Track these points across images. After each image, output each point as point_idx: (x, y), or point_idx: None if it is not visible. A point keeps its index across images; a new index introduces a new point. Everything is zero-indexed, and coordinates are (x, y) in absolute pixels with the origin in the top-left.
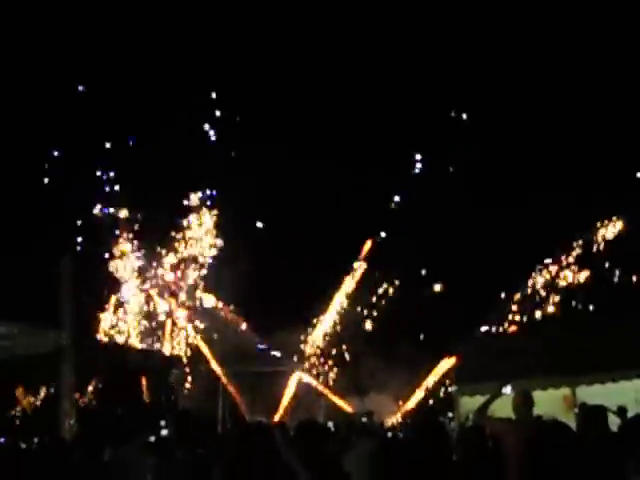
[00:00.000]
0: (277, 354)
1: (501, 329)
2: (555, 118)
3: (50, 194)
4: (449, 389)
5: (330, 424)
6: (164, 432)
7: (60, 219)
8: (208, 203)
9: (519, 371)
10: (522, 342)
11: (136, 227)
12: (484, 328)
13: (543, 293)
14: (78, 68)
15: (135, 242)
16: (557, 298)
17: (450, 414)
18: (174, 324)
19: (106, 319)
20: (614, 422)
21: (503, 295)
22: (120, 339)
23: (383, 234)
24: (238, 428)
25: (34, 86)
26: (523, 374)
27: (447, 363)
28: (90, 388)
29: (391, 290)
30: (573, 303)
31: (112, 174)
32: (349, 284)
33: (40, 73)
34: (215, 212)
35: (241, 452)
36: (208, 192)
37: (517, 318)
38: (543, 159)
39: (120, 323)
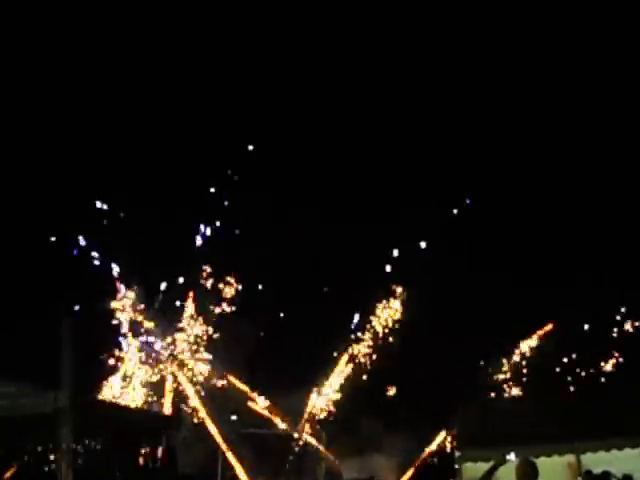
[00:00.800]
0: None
1: (503, 393)
2: None
3: (51, 254)
4: (453, 454)
5: None
6: None
7: (62, 277)
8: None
9: (523, 437)
10: (525, 407)
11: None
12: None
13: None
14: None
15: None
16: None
17: None
18: (175, 382)
19: (108, 381)
20: None
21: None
22: (121, 400)
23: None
24: None
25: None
26: (527, 440)
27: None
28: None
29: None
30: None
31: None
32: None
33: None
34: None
35: None
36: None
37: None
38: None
39: (121, 386)
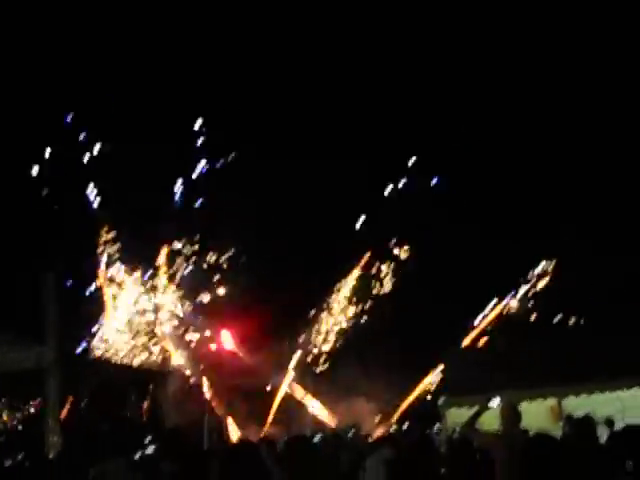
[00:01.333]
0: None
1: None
2: None
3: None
4: (436, 401)
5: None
6: (149, 449)
7: (49, 230)
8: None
9: (506, 382)
10: (508, 353)
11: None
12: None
13: (531, 302)
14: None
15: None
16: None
17: (436, 426)
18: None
19: (96, 333)
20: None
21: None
22: (108, 354)
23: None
24: (224, 446)
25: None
26: (510, 385)
27: (434, 374)
28: (70, 404)
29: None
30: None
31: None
32: (344, 287)
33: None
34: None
35: (228, 471)
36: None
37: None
38: None
39: (109, 337)
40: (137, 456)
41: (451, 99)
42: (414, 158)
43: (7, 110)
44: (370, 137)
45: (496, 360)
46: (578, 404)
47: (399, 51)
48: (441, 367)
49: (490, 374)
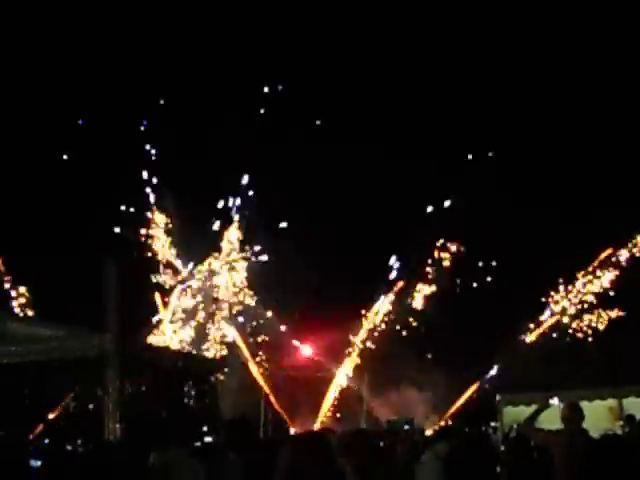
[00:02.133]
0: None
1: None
2: None
3: (96, 197)
4: (493, 398)
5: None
6: (208, 438)
7: (107, 221)
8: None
9: (564, 381)
10: (567, 351)
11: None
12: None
13: (592, 300)
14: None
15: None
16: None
17: (493, 423)
18: (217, 327)
19: (154, 323)
20: None
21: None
22: (166, 343)
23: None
24: (292, 436)
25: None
26: (568, 385)
27: (491, 371)
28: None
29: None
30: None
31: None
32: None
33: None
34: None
35: (298, 460)
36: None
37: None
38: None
39: (167, 327)
40: (197, 445)
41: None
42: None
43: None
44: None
45: (554, 359)
46: (639, 405)
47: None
48: (498, 365)
49: (547, 373)
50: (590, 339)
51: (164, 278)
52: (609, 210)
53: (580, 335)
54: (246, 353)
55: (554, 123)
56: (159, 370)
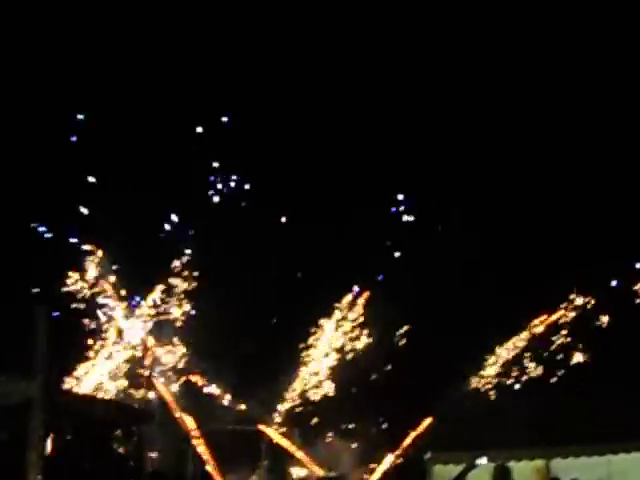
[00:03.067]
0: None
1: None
2: None
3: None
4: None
5: None
6: None
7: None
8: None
9: (494, 440)
10: (499, 409)
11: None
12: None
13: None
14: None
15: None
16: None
17: None
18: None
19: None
20: None
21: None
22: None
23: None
24: None
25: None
26: (498, 443)
27: (422, 426)
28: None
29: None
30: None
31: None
32: (329, 334)
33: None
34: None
35: None
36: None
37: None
38: None
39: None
40: None
41: None
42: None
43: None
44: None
45: (484, 417)
46: (566, 466)
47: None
48: (429, 420)
49: (478, 429)
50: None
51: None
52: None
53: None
54: (172, 403)
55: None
56: (83, 417)
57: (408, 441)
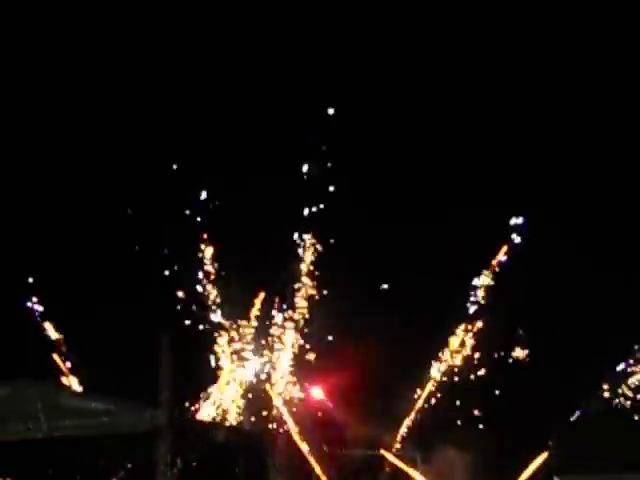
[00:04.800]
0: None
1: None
2: None
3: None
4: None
5: None
6: None
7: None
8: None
9: (628, 463)
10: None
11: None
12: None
13: None
14: None
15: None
16: None
17: None
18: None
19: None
20: None
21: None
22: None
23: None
24: None
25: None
26: (633, 466)
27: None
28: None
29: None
30: None
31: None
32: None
33: None
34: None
35: None
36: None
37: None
38: None
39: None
40: None
41: None
42: None
43: None
44: None
45: (620, 435)
46: None
47: None
48: (556, 438)
49: (613, 451)
50: None
51: (219, 345)
52: None
53: None
54: (294, 429)
55: None
56: (210, 446)
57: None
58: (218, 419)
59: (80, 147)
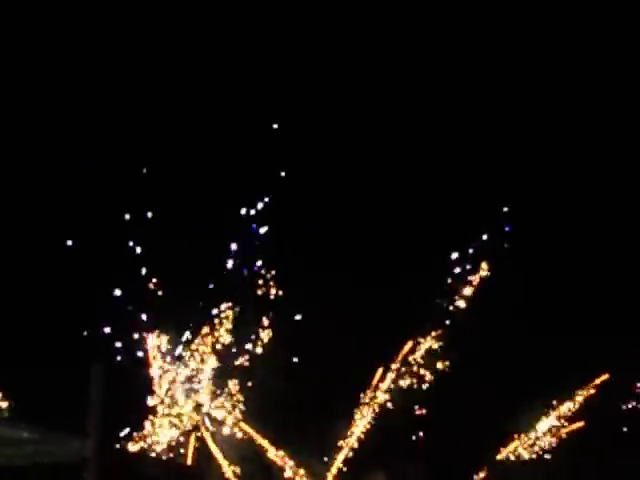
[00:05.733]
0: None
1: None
2: None
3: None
4: None
5: None
6: None
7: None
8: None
9: None
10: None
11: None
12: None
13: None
14: None
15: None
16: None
17: None
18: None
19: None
20: None
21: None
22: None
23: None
24: None
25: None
26: None
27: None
28: None
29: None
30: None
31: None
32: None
33: None
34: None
35: None
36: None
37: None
38: None
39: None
40: None
41: None
42: None
43: None
44: None
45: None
46: None
47: None
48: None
49: None
50: None
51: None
52: None
53: None
54: (226, 465)
55: None
56: (137, 477)
57: None
58: (150, 452)
59: None
